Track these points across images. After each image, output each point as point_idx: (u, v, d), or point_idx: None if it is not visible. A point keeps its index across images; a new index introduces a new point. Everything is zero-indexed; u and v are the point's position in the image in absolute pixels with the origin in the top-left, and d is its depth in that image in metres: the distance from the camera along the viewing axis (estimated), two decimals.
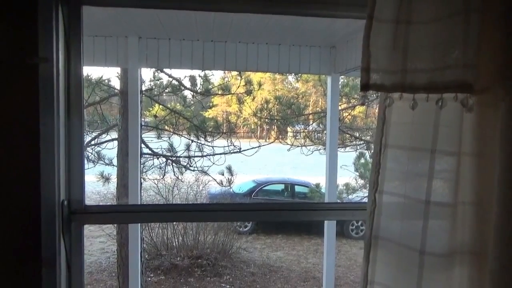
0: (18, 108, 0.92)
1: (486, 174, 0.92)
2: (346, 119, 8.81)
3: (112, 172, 6.84)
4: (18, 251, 0.95)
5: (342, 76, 6.94)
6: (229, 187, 7.85)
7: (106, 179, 6.78)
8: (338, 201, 7.76)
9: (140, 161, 5.57)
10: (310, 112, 10.77)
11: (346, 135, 8.53)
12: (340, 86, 6.08)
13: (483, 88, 0.88)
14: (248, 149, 7.16)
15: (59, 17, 0.99)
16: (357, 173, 8.42)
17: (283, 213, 1.29)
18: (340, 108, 7.47)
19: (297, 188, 9.79)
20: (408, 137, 0.97)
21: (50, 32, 0.94)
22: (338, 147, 5.68)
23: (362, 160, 8.44)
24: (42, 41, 0.93)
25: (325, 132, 8.40)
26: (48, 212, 0.97)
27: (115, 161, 6.66)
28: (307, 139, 8.43)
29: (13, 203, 0.94)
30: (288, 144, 8.31)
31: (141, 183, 5.71)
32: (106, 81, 7.32)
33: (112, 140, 6.64)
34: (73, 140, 1.08)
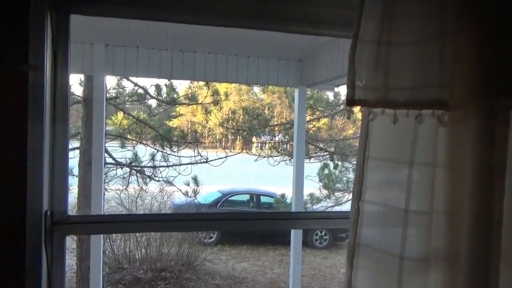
0: (6, 116, 0.90)
1: (457, 185, 1.00)
2: (311, 130, 9.03)
3: (72, 182, 6.59)
4: (1, 263, 0.92)
5: (307, 89, 7.14)
6: (194, 197, 7.78)
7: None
8: (303, 211, 7.88)
9: (104, 171, 5.41)
10: (276, 123, 10.92)
11: (310, 146, 8.72)
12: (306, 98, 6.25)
13: (456, 105, 0.96)
14: (215, 159, 7.15)
15: (48, 25, 0.98)
16: (321, 184, 8.61)
17: (265, 222, 1.32)
18: (307, 120, 7.64)
19: (263, 199, 9.84)
20: (388, 150, 1.04)
21: (42, 39, 0.93)
22: (305, 158, 5.79)
23: (326, 171, 8.66)
24: (33, 48, 0.91)
25: (291, 143, 8.55)
26: (33, 223, 0.95)
27: (75, 171, 6.42)
28: (274, 150, 8.54)
29: None
30: (254, 154, 8.37)
31: (104, 194, 5.54)
32: None
33: (74, 149, 6.40)
34: (58, 149, 1.06)
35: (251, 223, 1.23)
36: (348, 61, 0.98)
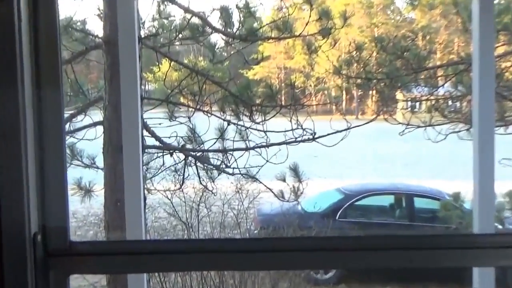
0: None
1: None
2: (507, 73, 8.52)
3: (96, 178, 7.01)
4: None
5: None
6: (295, 201, 7.86)
7: (87, 191, 6.98)
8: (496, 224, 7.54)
9: (143, 160, 5.70)
10: (439, 64, 10.48)
11: (508, 104, 8.24)
12: (495, 13, 5.86)
13: None
14: (327, 135, 7.11)
15: None
16: None
17: (425, 254, 1.26)
18: (496, 53, 7.20)
19: (418, 202, 9.68)
20: None
21: None
22: (496, 126, 5.48)
23: None
24: None
25: (468, 98, 8.15)
26: (13, 255, 1.00)
27: (99, 160, 6.83)
28: (436, 113, 8.24)
29: None
30: (399, 123, 8.16)
31: (145, 198, 5.85)
32: (79, 24, 7.53)
33: (94, 124, 6.84)
34: (48, 131, 1.09)
35: (401, 257, 1.17)
36: None
